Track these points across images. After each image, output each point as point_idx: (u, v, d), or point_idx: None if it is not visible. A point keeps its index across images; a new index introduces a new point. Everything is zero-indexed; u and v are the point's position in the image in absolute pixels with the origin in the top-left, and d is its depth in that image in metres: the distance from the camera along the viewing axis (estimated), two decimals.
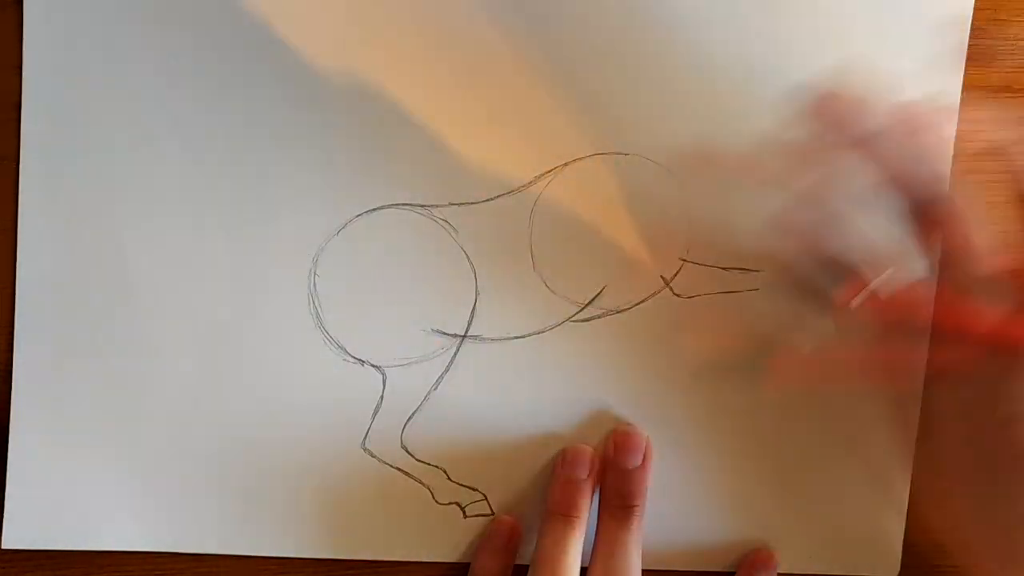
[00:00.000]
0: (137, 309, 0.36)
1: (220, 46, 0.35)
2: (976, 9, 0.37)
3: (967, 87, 0.37)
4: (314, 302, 0.36)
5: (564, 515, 0.35)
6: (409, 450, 0.37)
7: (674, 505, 0.37)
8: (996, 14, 0.37)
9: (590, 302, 0.37)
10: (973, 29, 0.37)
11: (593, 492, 0.36)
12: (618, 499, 0.35)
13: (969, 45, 0.37)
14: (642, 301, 0.37)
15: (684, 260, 0.36)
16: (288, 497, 0.37)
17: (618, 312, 0.37)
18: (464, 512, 0.37)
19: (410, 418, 0.37)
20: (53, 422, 0.36)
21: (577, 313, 0.37)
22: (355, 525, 0.37)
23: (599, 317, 0.37)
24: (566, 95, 0.36)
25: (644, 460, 0.36)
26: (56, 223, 0.35)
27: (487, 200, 0.36)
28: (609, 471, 0.36)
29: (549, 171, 0.36)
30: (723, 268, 0.36)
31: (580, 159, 0.36)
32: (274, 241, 0.36)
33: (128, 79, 0.35)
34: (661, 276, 0.36)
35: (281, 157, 0.35)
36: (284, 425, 0.36)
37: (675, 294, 0.37)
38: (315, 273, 0.36)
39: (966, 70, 0.37)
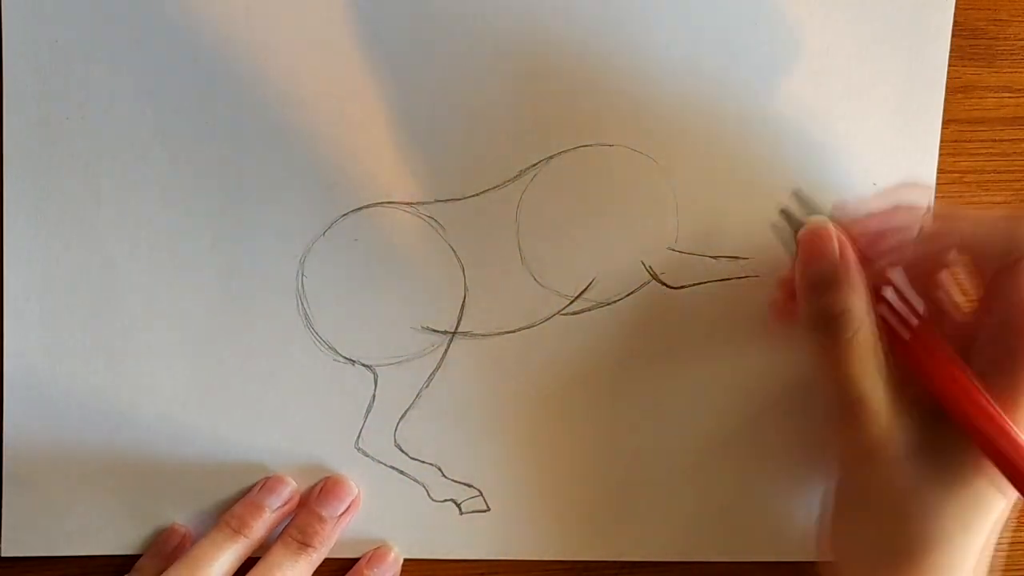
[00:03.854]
0: (126, 316, 0.36)
1: (199, 51, 0.35)
2: (976, 9, 0.36)
3: (968, 87, 0.37)
4: (303, 303, 0.36)
5: (235, 529, 0.35)
6: (403, 448, 0.37)
7: (669, 494, 0.37)
8: (996, 14, 0.37)
9: (580, 295, 0.36)
10: (973, 29, 0.36)
11: (276, 524, 0.36)
12: (299, 534, 0.35)
13: (969, 45, 0.37)
14: (632, 292, 0.36)
15: (672, 250, 0.36)
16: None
17: (608, 304, 0.36)
18: (460, 509, 0.37)
19: (403, 416, 0.37)
20: (47, 430, 0.36)
21: (567, 306, 0.36)
22: (351, 525, 0.37)
23: (589, 309, 0.36)
24: (548, 89, 0.35)
25: (344, 513, 0.36)
26: (41, 232, 0.35)
27: (473, 196, 0.36)
28: (304, 508, 0.36)
29: (534, 165, 0.36)
30: (712, 257, 0.36)
31: (564, 152, 0.36)
32: (260, 244, 0.36)
33: (109, 87, 0.35)
34: (649, 267, 0.36)
35: (264, 159, 0.35)
36: (277, 427, 0.36)
37: (665, 284, 0.36)
38: (302, 274, 0.36)
39: (966, 70, 0.37)
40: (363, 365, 0.36)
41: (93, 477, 0.36)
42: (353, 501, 0.36)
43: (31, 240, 0.35)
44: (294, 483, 0.36)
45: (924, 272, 0.33)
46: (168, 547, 0.36)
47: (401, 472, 0.37)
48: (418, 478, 0.37)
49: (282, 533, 0.36)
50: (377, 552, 0.37)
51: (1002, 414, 0.29)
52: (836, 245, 0.31)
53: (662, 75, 0.36)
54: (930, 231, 0.32)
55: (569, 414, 0.37)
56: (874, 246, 0.33)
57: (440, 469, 0.37)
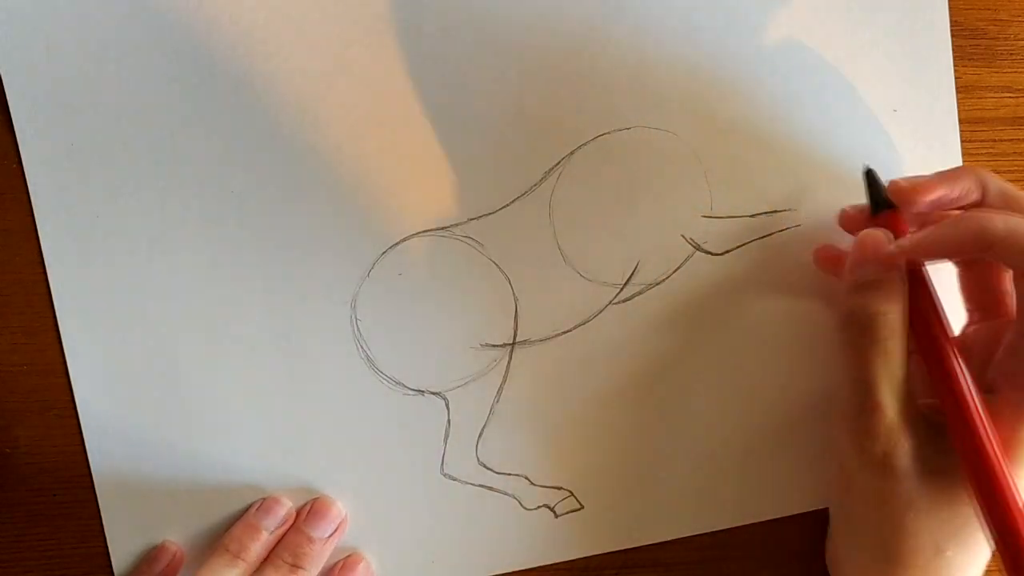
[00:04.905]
0: (193, 396, 0.36)
1: (222, 120, 0.35)
2: (976, 9, 0.37)
3: (968, 87, 0.37)
4: (362, 346, 0.36)
5: (234, 553, 0.35)
6: (488, 466, 0.37)
7: (756, 458, 0.37)
8: (996, 14, 0.37)
9: (627, 281, 0.37)
10: (973, 29, 0.37)
11: (273, 546, 0.36)
12: (290, 556, 0.35)
13: (969, 45, 0.37)
14: (678, 268, 0.37)
15: (709, 217, 0.36)
16: (381, 536, 0.37)
17: (657, 284, 0.37)
18: (555, 512, 0.37)
19: (480, 434, 0.37)
20: (136, 494, 0.36)
21: (617, 295, 0.37)
22: (451, 549, 0.37)
23: (640, 293, 0.37)
24: (554, 86, 0.36)
25: (333, 534, 0.36)
26: (97, 331, 0.36)
27: (504, 207, 0.36)
28: (293, 529, 0.36)
29: (557, 163, 0.36)
30: (750, 216, 0.36)
31: (584, 144, 0.36)
32: (310, 298, 0.36)
33: (133, 173, 0.35)
34: (690, 239, 0.36)
35: (298, 215, 0.36)
36: (360, 470, 0.37)
37: (709, 252, 0.36)
38: (356, 318, 0.36)
39: (966, 70, 0.37)
40: (432, 393, 0.37)
41: (183, 529, 0.37)
42: (342, 523, 0.36)
43: (87, 342, 0.36)
44: (290, 503, 0.36)
45: (973, 270, 0.33)
46: (158, 567, 0.36)
47: (491, 488, 0.37)
48: (508, 491, 0.37)
49: (271, 555, 0.35)
50: (348, 560, 0.37)
51: (1003, 464, 0.29)
52: (891, 250, 0.32)
53: (664, 49, 0.36)
54: (954, 231, 0.31)
55: (640, 398, 0.37)
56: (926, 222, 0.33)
57: (527, 478, 0.37)
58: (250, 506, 0.36)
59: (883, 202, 0.33)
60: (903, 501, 0.31)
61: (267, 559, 0.35)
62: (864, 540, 0.33)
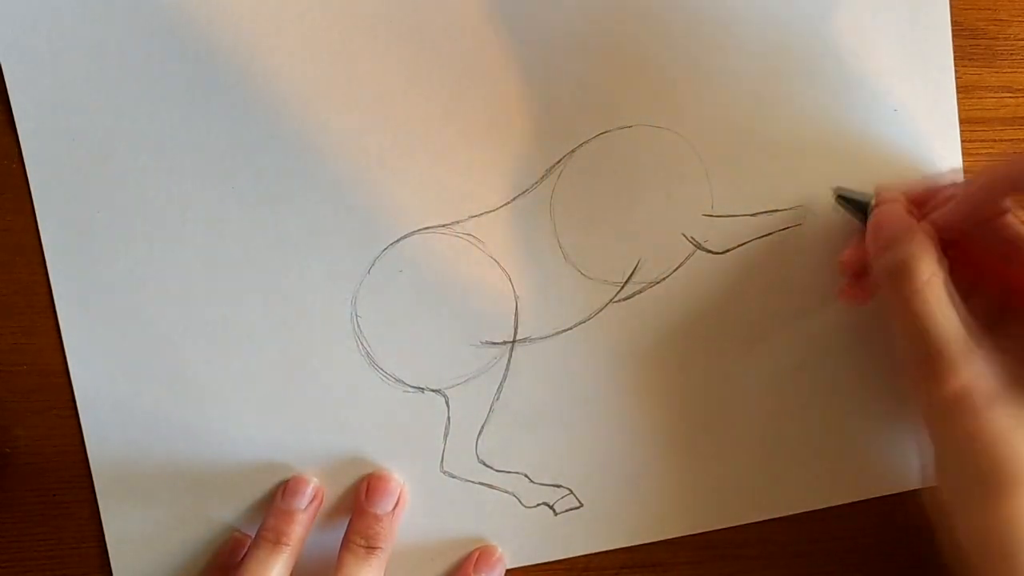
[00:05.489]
0: (194, 391, 0.36)
1: (221, 121, 0.35)
2: (976, 9, 0.37)
3: (968, 87, 0.37)
4: (362, 343, 0.36)
5: (273, 542, 0.35)
6: (487, 463, 0.37)
7: (755, 455, 0.37)
8: (996, 14, 0.37)
9: (628, 279, 0.37)
10: (973, 29, 0.37)
11: (312, 521, 0.36)
12: (362, 540, 0.35)
13: (969, 45, 0.37)
14: (678, 267, 0.37)
15: (710, 215, 0.36)
16: None
17: (658, 282, 0.37)
18: (554, 510, 0.38)
19: (480, 432, 0.37)
20: (135, 493, 0.36)
21: (618, 293, 0.37)
22: (451, 547, 0.37)
23: (640, 292, 0.37)
24: (556, 85, 0.36)
25: (396, 506, 0.36)
26: (96, 326, 0.36)
27: (504, 205, 0.36)
28: (357, 512, 0.36)
29: (558, 162, 0.36)
30: (751, 214, 0.36)
31: (585, 143, 0.36)
32: (310, 295, 0.36)
33: (133, 170, 0.35)
34: (691, 237, 0.36)
35: (298, 211, 0.36)
36: (360, 467, 0.37)
37: (710, 251, 0.36)
38: (356, 315, 0.36)
39: (966, 70, 0.37)
40: (432, 391, 0.37)
41: (183, 532, 0.37)
42: (401, 492, 0.37)
43: (88, 342, 0.36)
44: (315, 479, 0.36)
45: (984, 222, 0.33)
46: (223, 559, 0.36)
47: (490, 486, 0.37)
48: (507, 488, 0.37)
49: (345, 542, 0.35)
50: (484, 552, 0.37)
51: None
52: (904, 208, 0.32)
53: (665, 48, 0.36)
54: (983, 178, 0.32)
55: (640, 397, 0.37)
56: (928, 204, 0.33)
57: (527, 475, 0.37)
58: (275, 493, 0.36)
59: (869, 205, 0.34)
60: (992, 429, 0.30)
61: (342, 547, 0.35)
62: (964, 479, 0.31)
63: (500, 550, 0.37)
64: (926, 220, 0.32)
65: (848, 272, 0.36)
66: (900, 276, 0.31)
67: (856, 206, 0.35)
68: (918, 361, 0.31)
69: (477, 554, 0.37)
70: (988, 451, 0.30)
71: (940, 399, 0.30)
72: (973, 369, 0.30)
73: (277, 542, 0.35)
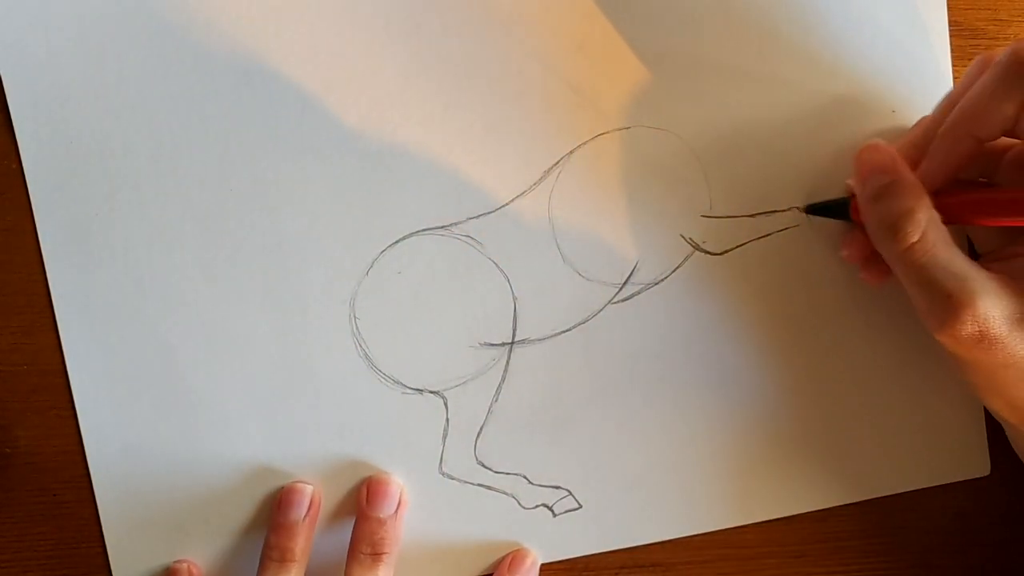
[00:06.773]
0: (192, 395, 0.36)
1: (214, 124, 0.35)
2: (976, 9, 0.37)
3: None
4: (360, 345, 0.36)
5: (279, 560, 0.35)
6: (486, 465, 0.37)
7: (745, 459, 0.37)
8: (996, 14, 0.37)
9: (626, 281, 0.37)
10: (973, 29, 0.37)
11: (312, 528, 0.36)
12: (367, 547, 0.35)
13: (969, 45, 0.37)
14: (677, 268, 0.37)
15: (708, 216, 0.36)
16: None
17: (657, 283, 0.37)
18: (553, 511, 0.38)
19: (479, 434, 0.37)
20: (135, 494, 0.36)
21: (616, 294, 0.37)
22: (450, 548, 0.37)
23: (639, 293, 0.37)
24: (553, 87, 0.36)
25: (398, 508, 0.36)
26: (96, 331, 0.36)
27: (503, 206, 0.36)
28: (360, 518, 0.36)
29: (556, 163, 0.36)
30: (749, 215, 0.36)
31: (583, 144, 0.36)
32: (308, 296, 0.36)
33: (131, 175, 0.35)
34: (689, 239, 0.36)
35: (295, 213, 0.36)
36: (358, 469, 0.37)
37: (708, 252, 0.36)
38: (355, 316, 0.36)
39: (965, 70, 0.37)
40: (431, 392, 0.37)
41: (180, 529, 0.37)
42: (402, 494, 0.36)
43: (87, 342, 0.36)
44: (308, 485, 0.36)
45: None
46: None
47: (489, 488, 0.37)
48: (506, 490, 0.37)
49: (351, 551, 0.35)
50: (516, 555, 0.37)
51: None
52: (891, 157, 0.32)
53: (663, 48, 0.36)
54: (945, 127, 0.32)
55: (639, 398, 0.37)
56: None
57: (526, 477, 0.37)
58: (272, 506, 0.36)
59: (847, 205, 0.34)
60: (1020, 353, 0.30)
61: (349, 556, 0.35)
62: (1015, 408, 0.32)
63: (534, 554, 0.37)
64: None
65: (854, 262, 0.35)
66: (896, 231, 0.31)
67: (834, 209, 0.35)
68: (932, 310, 0.30)
69: (510, 558, 0.37)
70: None
71: (963, 339, 0.30)
72: (986, 302, 0.30)
73: (283, 560, 0.35)
